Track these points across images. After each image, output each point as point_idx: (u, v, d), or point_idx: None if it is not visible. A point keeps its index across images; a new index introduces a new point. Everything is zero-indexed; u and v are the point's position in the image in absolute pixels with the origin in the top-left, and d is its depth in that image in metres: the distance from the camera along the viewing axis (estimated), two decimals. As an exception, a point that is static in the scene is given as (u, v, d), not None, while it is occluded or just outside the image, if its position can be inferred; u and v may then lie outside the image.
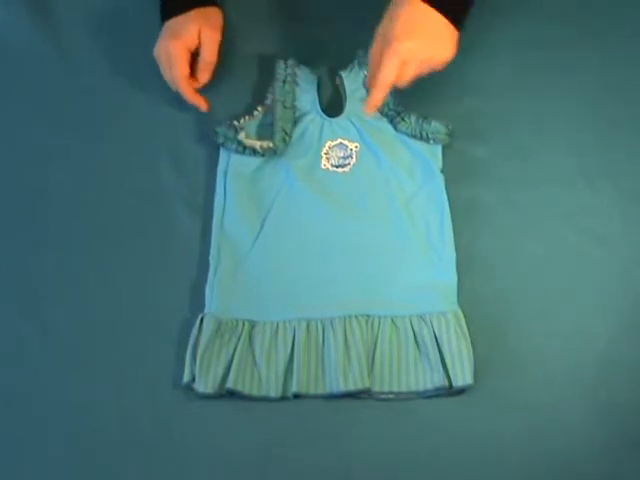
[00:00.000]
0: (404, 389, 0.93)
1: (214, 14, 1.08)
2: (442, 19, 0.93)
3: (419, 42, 0.92)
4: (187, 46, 1.03)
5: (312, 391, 0.93)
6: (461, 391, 0.93)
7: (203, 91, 1.06)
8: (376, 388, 0.93)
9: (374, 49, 0.94)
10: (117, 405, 0.96)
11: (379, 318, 0.96)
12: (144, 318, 0.99)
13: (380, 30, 0.94)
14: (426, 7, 0.93)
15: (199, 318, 0.97)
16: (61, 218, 1.06)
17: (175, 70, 1.03)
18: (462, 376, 0.92)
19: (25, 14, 1.16)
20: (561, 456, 0.91)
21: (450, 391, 0.93)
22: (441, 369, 0.92)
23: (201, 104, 1.05)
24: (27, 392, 0.98)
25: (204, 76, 1.06)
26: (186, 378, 0.94)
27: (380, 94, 0.93)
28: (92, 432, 0.96)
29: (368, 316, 0.96)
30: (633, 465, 0.90)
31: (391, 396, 0.94)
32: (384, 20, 0.94)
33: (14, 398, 0.98)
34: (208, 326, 0.96)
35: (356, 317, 0.96)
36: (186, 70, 1.04)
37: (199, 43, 1.05)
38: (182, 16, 1.05)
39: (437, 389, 0.92)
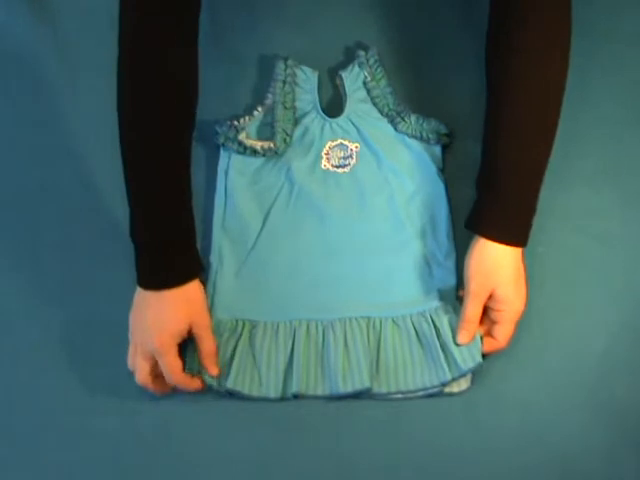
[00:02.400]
0: (411, 387, 0.93)
1: (197, 293, 0.96)
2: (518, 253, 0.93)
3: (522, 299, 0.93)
4: (177, 341, 0.93)
5: (312, 392, 0.94)
6: (464, 382, 0.93)
7: (203, 92, 1.05)
8: (383, 389, 0.93)
9: (473, 293, 0.92)
10: (117, 405, 0.96)
11: (380, 319, 0.96)
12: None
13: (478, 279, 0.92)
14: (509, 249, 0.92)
15: None
16: (61, 218, 1.06)
17: (169, 370, 0.92)
18: (471, 358, 0.92)
19: (25, 14, 1.15)
20: (561, 456, 0.91)
21: (452, 388, 0.93)
22: (444, 364, 0.92)
23: (198, 385, 0.95)
24: (27, 392, 0.98)
25: (213, 369, 0.94)
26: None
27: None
28: (92, 432, 0.96)
29: (369, 318, 0.96)
30: (633, 465, 0.90)
31: (399, 395, 0.94)
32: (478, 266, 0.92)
33: (14, 398, 0.98)
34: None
35: (356, 319, 0.96)
36: (180, 367, 0.93)
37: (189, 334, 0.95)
38: (167, 302, 0.93)
39: (443, 383, 0.93)
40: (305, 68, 1.08)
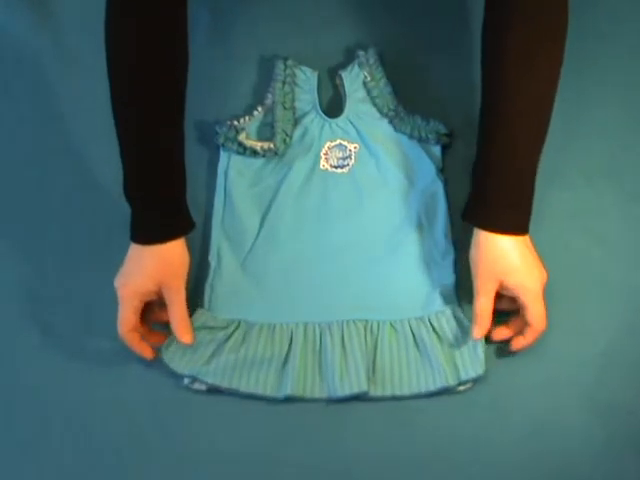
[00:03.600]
0: (406, 392, 0.93)
1: (174, 255, 0.95)
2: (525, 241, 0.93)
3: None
4: (139, 297, 0.93)
5: (309, 395, 0.94)
6: (463, 386, 0.93)
7: (203, 92, 1.05)
8: (378, 392, 0.93)
9: (482, 286, 0.92)
10: (117, 405, 0.96)
11: (378, 322, 0.96)
12: (144, 318, 0.99)
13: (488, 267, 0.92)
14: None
15: (195, 312, 0.97)
16: (61, 217, 1.06)
17: (120, 321, 0.93)
18: (473, 367, 0.92)
19: (25, 14, 1.16)
20: (561, 456, 0.91)
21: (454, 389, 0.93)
22: (443, 369, 0.92)
23: (147, 353, 0.95)
24: (27, 392, 0.98)
25: (185, 336, 0.94)
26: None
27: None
28: (92, 432, 0.96)
29: (366, 321, 0.96)
30: (633, 465, 0.90)
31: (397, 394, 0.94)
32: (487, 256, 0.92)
33: (14, 398, 0.98)
34: (200, 318, 0.97)
35: (354, 322, 0.96)
36: (133, 324, 0.93)
37: (159, 299, 0.95)
38: (142, 258, 0.94)
39: (440, 390, 0.93)
40: (305, 68, 1.08)
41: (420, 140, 1.03)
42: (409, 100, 1.05)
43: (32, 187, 1.08)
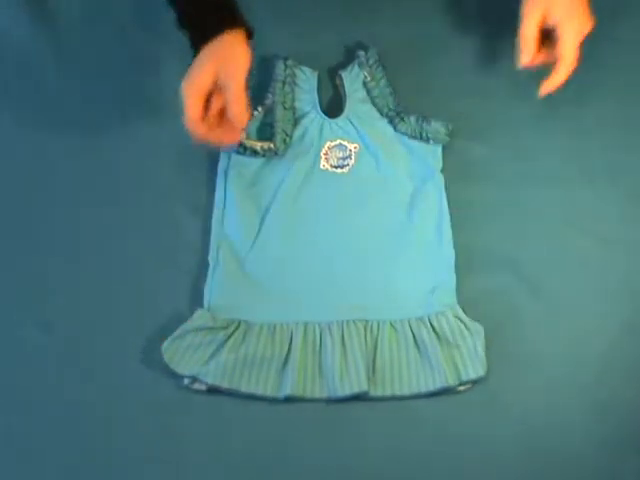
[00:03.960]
0: (406, 392, 0.93)
1: (232, 47, 0.96)
2: None
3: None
4: (200, 89, 0.95)
5: (309, 395, 0.93)
6: (463, 386, 0.93)
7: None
8: (378, 392, 0.93)
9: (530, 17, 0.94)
10: (117, 405, 0.96)
11: (377, 322, 0.96)
12: (144, 317, 0.99)
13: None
14: None
15: (195, 313, 0.97)
16: (61, 217, 1.06)
17: (186, 116, 0.94)
18: (473, 368, 0.92)
19: (25, 14, 1.16)
20: (561, 456, 0.91)
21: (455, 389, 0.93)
22: (443, 369, 0.92)
23: (225, 137, 0.97)
24: (27, 392, 0.98)
25: (243, 116, 0.95)
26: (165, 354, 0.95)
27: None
28: (92, 432, 0.96)
29: (366, 321, 0.96)
30: (633, 465, 0.90)
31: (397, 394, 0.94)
32: None
33: (14, 398, 0.98)
34: (200, 318, 0.97)
35: (354, 322, 0.96)
36: (197, 113, 0.94)
37: (220, 86, 0.95)
38: (201, 55, 0.95)
39: (440, 390, 0.92)
40: (305, 68, 1.08)
41: (420, 140, 1.03)
42: (409, 100, 1.05)
43: (32, 187, 1.08)
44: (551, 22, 0.93)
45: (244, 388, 0.94)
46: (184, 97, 0.94)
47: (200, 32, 0.96)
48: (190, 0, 0.98)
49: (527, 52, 0.94)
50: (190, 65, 0.95)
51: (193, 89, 0.94)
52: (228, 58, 0.95)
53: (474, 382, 0.93)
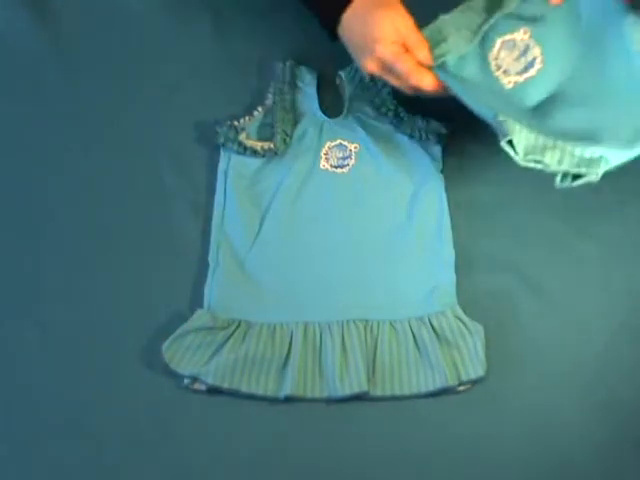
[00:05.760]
0: (406, 392, 0.93)
1: None
2: None
3: None
4: (392, 39, 0.91)
5: (309, 395, 0.93)
6: (463, 386, 0.93)
7: (204, 92, 1.05)
8: (378, 392, 0.93)
9: None
10: (117, 405, 0.96)
11: (378, 322, 0.96)
12: (144, 318, 0.99)
13: None
14: None
15: (195, 313, 0.97)
16: (61, 218, 1.06)
17: (400, 66, 0.91)
18: (473, 368, 0.92)
19: (25, 14, 1.16)
20: (561, 456, 0.91)
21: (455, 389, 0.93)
22: (443, 369, 0.92)
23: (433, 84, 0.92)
24: (27, 392, 0.98)
25: (428, 56, 0.92)
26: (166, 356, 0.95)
27: None
28: (92, 432, 0.96)
29: (366, 321, 0.96)
30: (633, 465, 0.90)
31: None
32: None
33: (14, 398, 0.98)
34: (200, 318, 0.97)
35: (354, 321, 0.96)
36: (413, 62, 0.91)
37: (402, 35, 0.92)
38: (364, 11, 0.93)
39: (440, 390, 0.93)
40: (305, 68, 1.08)
41: (420, 140, 1.03)
42: (409, 100, 1.05)
43: (33, 186, 1.08)
44: None
45: (244, 388, 0.94)
46: (392, 57, 0.90)
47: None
48: None
49: None
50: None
51: (395, 45, 0.90)
52: (396, 8, 0.93)
53: (474, 382, 0.93)
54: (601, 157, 0.86)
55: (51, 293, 1.02)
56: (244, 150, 1.04)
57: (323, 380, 0.94)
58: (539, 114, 0.91)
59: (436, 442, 0.92)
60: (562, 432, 0.91)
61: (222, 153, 1.05)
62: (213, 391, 0.95)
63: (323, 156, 1.04)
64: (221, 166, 1.05)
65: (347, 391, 0.92)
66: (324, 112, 1.07)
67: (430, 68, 0.92)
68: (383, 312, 0.97)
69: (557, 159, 0.85)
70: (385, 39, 0.91)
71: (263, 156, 1.04)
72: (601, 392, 0.93)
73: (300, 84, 1.08)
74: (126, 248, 1.03)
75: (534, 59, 0.94)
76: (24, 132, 1.11)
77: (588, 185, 1.00)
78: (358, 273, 0.99)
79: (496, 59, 0.94)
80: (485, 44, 0.95)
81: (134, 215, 1.05)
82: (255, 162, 1.04)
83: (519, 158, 0.85)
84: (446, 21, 0.96)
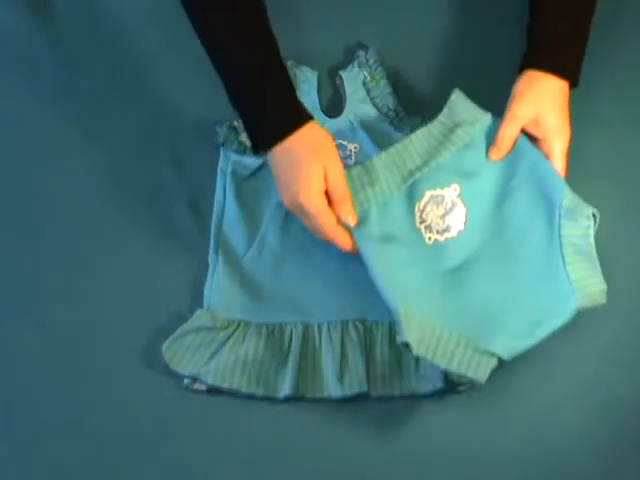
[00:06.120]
0: (406, 392, 0.93)
1: (322, 135, 0.94)
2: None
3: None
4: (321, 190, 0.91)
5: (309, 394, 0.94)
6: (464, 386, 0.93)
7: (204, 92, 1.05)
8: (378, 392, 0.93)
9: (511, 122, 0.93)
10: (117, 405, 0.96)
11: (377, 322, 0.96)
12: (144, 318, 0.99)
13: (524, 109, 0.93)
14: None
15: (195, 313, 0.97)
16: (61, 218, 1.06)
17: (324, 222, 0.91)
18: (472, 370, 0.92)
19: (25, 14, 1.16)
20: (561, 456, 0.91)
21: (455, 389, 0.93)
22: (439, 371, 0.92)
23: (348, 244, 0.93)
24: (27, 392, 0.98)
25: (351, 216, 0.93)
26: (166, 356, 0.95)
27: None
28: (92, 432, 0.96)
29: (366, 321, 0.96)
30: (633, 464, 0.90)
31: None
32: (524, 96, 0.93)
33: (14, 398, 0.98)
34: (200, 318, 0.97)
35: (354, 322, 0.96)
36: (333, 219, 0.92)
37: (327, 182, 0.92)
38: (295, 153, 0.91)
39: (439, 390, 0.92)
40: (305, 68, 1.08)
41: (420, 140, 1.03)
42: (409, 100, 1.05)
43: (32, 187, 1.08)
44: (540, 133, 0.92)
45: (244, 388, 0.94)
46: (311, 209, 0.90)
47: (277, 126, 0.92)
48: (256, 92, 0.93)
49: (500, 152, 0.94)
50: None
51: (321, 197, 0.90)
52: (328, 153, 0.92)
53: (473, 383, 0.93)
54: (492, 353, 0.86)
55: (51, 293, 1.02)
56: (244, 150, 1.04)
57: (323, 380, 0.94)
58: (448, 283, 0.91)
59: (436, 442, 0.92)
60: (562, 432, 0.91)
61: (222, 153, 1.05)
62: (213, 391, 0.95)
63: (323, 156, 1.04)
64: (221, 166, 1.05)
65: (347, 391, 0.92)
66: (324, 112, 1.06)
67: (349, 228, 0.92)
68: (382, 312, 0.96)
69: (449, 354, 0.85)
70: (311, 189, 0.90)
71: (263, 156, 1.04)
72: (601, 392, 0.93)
73: (300, 84, 1.08)
74: (126, 248, 1.03)
75: (458, 219, 0.93)
76: (24, 132, 1.11)
77: (588, 185, 1.00)
78: (358, 272, 0.99)
79: (421, 211, 0.94)
80: (413, 193, 0.95)
81: (134, 215, 1.05)
82: (255, 162, 1.04)
83: (414, 351, 0.85)
84: (380, 161, 0.96)
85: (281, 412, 0.94)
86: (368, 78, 1.06)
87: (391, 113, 1.04)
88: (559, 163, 0.92)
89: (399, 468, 0.92)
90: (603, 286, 0.87)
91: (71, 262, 1.03)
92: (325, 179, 0.91)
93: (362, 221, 0.93)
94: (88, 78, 1.13)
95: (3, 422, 0.97)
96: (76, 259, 1.04)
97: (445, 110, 0.97)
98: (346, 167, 0.95)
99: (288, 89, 0.94)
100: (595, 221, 0.89)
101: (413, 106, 1.05)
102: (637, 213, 1.00)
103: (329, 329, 0.96)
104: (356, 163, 1.03)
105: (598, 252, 0.97)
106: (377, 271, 0.90)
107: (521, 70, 0.94)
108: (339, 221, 0.92)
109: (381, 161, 0.95)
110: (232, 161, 1.05)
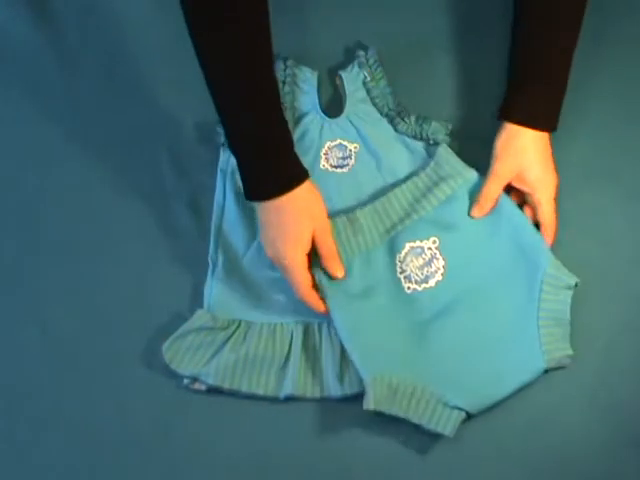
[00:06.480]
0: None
1: (313, 196, 0.95)
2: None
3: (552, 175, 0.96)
4: (305, 251, 0.93)
5: (309, 394, 0.94)
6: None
7: (204, 92, 1.05)
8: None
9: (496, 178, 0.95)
10: (117, 405, 0.97)
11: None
12: (144, 318, 0.99)
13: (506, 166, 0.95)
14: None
15: (195, 313, 0.97)
16: (61, 218, 1.06)
17: (299, 283, 0.93)
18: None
19: (25, 14, 1.15)
20: (561, 455, 0.91)
21: None
22: None
23: (320, 307, 0.94)
24: (27, 392, 0.98)
25: (339, 271, 0.95)
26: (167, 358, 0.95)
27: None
28: (92, 432, 0.96)
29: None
30: (633, 464, 0.90)
31: None
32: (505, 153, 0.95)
33: (14, 398, 0.98)
34: (201, 318, 0.97)
35: (354, 322, 0.96)
36: (310, 282, 0.94)
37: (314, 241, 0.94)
38: (286, 212, 0.92)
39: None
40: (305, 68, 1.08)
41: (420, 141, 1.03)
42: (409, 100, 1.05)
43: (32, 186, 1.08)
44: (526, 187, 0.95)
45: (245, 388, 0.94)
46: (290, 267, 0.92)
47: (274, 184, 0.92)
48: (252, 138, 0.93)
49: (482, 210, 0.96)
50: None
51: (302, 257, 0.92)
52: (318, 216, 0.94)
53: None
54: (460, 408, 0.89)
55: (51, 293, 1.02)
56: (244, 150, 1.04)
57: (323, 380, 0.94)
58: (423, 333, 0.93)
59: (436, 442, 0.92)
60: (562, 432, 0.91)
61: (222, 153, 1.05)
62: (213, 391, 0.95)
63: (323, 156, 1.04)
64: (220, 166, 1.05)
65: (347, 391, 0.93)
66: (324, 112, 1.06)
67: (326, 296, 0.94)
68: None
69: (420, 410, 0.89)
70: (296, 250, 0.92)
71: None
72: (601, 392, 0.93)
73: (300, 84, 1.07)
74: (126, 248, 1.03)
75: (436, 271, 0.95)
76: (24, 132, 1.11)
77: (589, 184, 1.00)
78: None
79: (401, 262, 0.96)
80: (394, 245, 0.97)
81: (134, 215, 1.05)
82: (255, 162, 1.04)
83: (371, 405, 0.89)
84: (364, 212, 0.97)
85: (281, 412, 0.94)
86: (368, 78, 1.06)
87: (391, 113, 1.04)
88: (547, 211, 0.94)
89: (399, 468, 0.92)
90: (569, 352, 0.91)
91: (71, 262, 1.04)
92: (312, 240, 0.93)
93: (346, 271, 0.95)
94: (88, 78, 1.13)
95: (3, 422, 0.97)
96: (76, 259, 1.04)
97: (432, 164, 0.99)
98: (330, 217, 0.96)
99: (288, 141, 0.95)
100: (576, 286, 0.93)
101: (413, 106, 1.05)
102: (636, 215, 1.00)
103: (329, 329, 0.96)
104: (356, 163, 1.03)
105: (598, 251, 0.97)
106: (347, 334, 0.92)
107: (499, 117, 0.96)
108: (314, 284, 0.94)
109: (365, 213, 0.98)
110: (232, 161, 1.05)
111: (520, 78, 0.96)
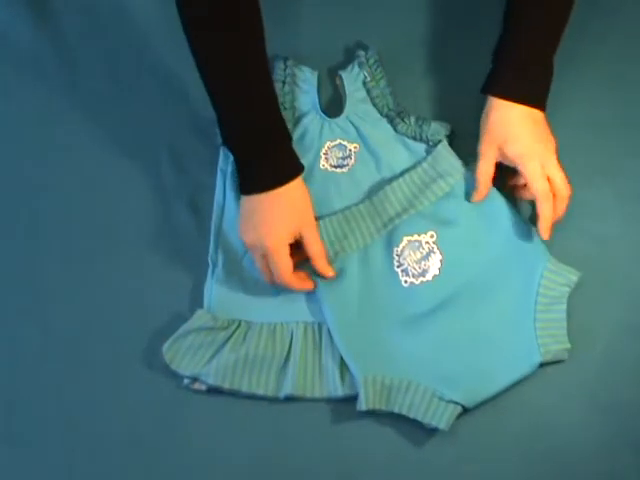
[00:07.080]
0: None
1: (302, 193, 0.96)
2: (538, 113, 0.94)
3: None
4: (287, 242, 0.94)
5: (309, 394, 0.94)
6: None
7: (204, 92, 1.05)
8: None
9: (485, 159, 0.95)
10: (117, 405, 0.97)
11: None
12: (144, 318, 0.99)
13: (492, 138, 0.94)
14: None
15: (195, 313, 0.97)
16: (61, 218, 1.06)
17: (280, 268, 0.94)
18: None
19: (25, 14, 1.15)
20: (561, 456, 0.91)
21: None
22: None
23: (310, 285, 0.96)
24: (27, 392, 0.98)
25: (327, 271, 0.95)
26: (167, 358, 0.95)
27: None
28: (92, 432, 0.96)
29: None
30: (633, 465, 0.90)
31: None
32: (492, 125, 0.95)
33: (14, 398, 0.98)
34: (201, 318, 0.97)
35: (353, 322, 0.97)
36: (291, 268, 0.94)
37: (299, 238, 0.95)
38: (274, 204, 0.94)
39: None
40: (305, 68, 1.08)
41: (420, 141, 1.03)
42: (409, 100, 1.05)
43: (32, 186, 1.08)
44: (510, 163, 0.94)
45: (245, 388, 0.94)
46: (270, 250, 0.93)
47: (268, 178, 0.94)
48: (248, 130, 0.95)
49: (480, 193, 0.96)
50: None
51: (283, 244, 0.93)
52: (305, 211, 0.95)
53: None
54: (456, 402, 0.89)
55: (51, 293, 1.02)
56: (244, 150, 1.04)
57: (323, 380, 0.94)
58: (420, 326, 0.93)
59: (436, 442, 0.92)
60: (562, 432, 0.91)
61: (222, 153, 1.05)
62: (213, 391, 0.95)
63: (323, 156, 1.04)
64: (220, 165, 1.05)
65: (347, 391, 0.93)
66: (324, 112, 1.06)
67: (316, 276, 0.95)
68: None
69: (416, 405, 0.90)
70: (280, 237, 0.93)
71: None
72: (601, 392, 0.93)
73: (300, 84, 1.07)
74: (126, 248, 1.03)
75: (433, 265, 0.96)
76: (24, 132, 1.11)
77: (588, 185, 1.00)
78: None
79: (399, 255, 0.96)
80: (392, 238, 0.97)
81: (134, 215, 1.05)
82: (255, 162, 1.04)
83: (363, 406, 0.90)
84: (360, 209, 0.98)
85: (281, 412, 0.94)
86: (368, 78, 1.06)
87: (391, 113, 1.04)
88: (537, 183, 0.92)
89: (399, 468, 0.92)
90: (567, 346, 0.91)
91: (71, 262, 1.03)
92: (300, 240, 0.94)
93: (342, 270, 0.96)
94: (88, 77, 1.13)
95: (3, 422, 0.97)
96: (76, 259, 1.04)
97: (429, 159, 0.99)
98: (327, 216, 0.98)
99: (285, 135, 0.96)
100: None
101: (413, 106, 1.05)
102: (636, 213, 1.00)
103: (329, 329, 0.96)
104: (356, 163, 1.03)
105: (598, 251, 0.97)
106: (340, 331, 0.93)
107: (482, 91, 0.96)
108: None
109: (362, 209, 0.98)
110: (232, 161, 1.04)
111: (504, 55, 0.95)
